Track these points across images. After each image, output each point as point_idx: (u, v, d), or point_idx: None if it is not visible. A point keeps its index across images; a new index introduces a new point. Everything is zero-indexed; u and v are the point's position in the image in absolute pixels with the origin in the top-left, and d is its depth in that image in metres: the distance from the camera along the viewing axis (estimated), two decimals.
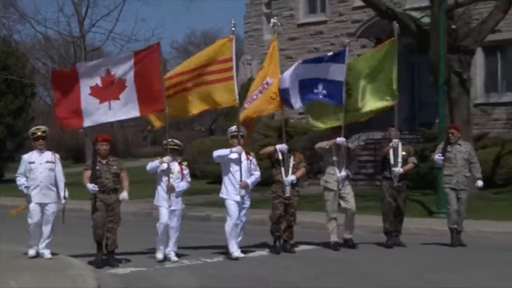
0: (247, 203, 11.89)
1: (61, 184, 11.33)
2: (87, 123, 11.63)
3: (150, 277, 10.41)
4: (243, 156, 11.77)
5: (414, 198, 17.59)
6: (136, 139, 55.19)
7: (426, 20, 21.18)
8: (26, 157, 11.42)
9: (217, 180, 24.66)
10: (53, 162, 11.36)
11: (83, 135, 33.89)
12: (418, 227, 14.47)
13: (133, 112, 11.59)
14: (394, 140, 12.61)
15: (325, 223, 12.60)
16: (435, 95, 18.58)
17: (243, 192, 11.71)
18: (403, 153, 12.67)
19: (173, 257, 11.49)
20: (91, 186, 11.00)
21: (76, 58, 31.73)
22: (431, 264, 11.10)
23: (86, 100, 11.39)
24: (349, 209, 12.40)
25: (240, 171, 11.70)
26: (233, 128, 11.99)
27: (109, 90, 11.34)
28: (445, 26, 18.01)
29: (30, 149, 11.83)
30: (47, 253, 11.23)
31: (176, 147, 11.70)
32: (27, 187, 11.22)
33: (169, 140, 11.60)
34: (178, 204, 11.61)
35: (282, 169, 12.09)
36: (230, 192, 11.74)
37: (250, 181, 11.81)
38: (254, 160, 12.00)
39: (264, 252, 12.26)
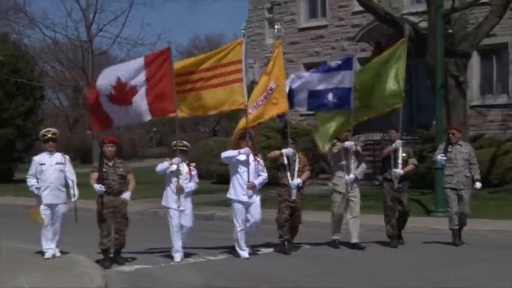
0: (256, 200, 11.71)
1: (73, 184, 11.22)
2: (114, 124, 11.76)
3: (155, 275, 10.32)
4: (251, 157, 11.67)
5: (412, 197, 17.41)
6: (142, 140, 55.24)
7: (424, 24, 21.16)
8: (37, 158, 11.32)
9: (221, 180, 24.85)
10: (63, 164, 11.26)
11: (90, 137, 33.89)
12: (416, 225, 14.37)
13: (145, 114, 11.43)
14: (397, 141, 12.47)
15: (331, 222, 12.51)
16: (432, 98, 18.51)
17: (250, 192, 11.60)
18: (403, 154, 12.56)
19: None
20: (98, 187, 10.88)
21: (84, 61, 31.71)
22: (431, 263, 10.99)
23: (109, 107, 11.36)
24: (353, 215, 12.32)
25: (248, 172, 11.58)
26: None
27: (123, 96, 11.21)
28: (442, 30, 17.98)
29: (40, 150, 11.74)
30: (56, 252, 11.16)
31: (184, 148, 11.60)
32: (38, 188, 11.12)
33: (178, 141, 11.51)
34: (187, 204, 11.50)
35: (288, 173, 11.99)
36: (238, 192, 11.61)
37: (257, 182, 11.67)
38: (261, 162, 11.88)
39: (268, 251, 12.15)
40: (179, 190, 11.35)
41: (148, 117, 11.56)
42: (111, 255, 11.03)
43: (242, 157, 11.58)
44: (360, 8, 24.48)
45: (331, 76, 12.46)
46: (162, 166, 11.45)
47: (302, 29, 30.05)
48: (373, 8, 21.00)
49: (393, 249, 12.29)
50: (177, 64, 11.71)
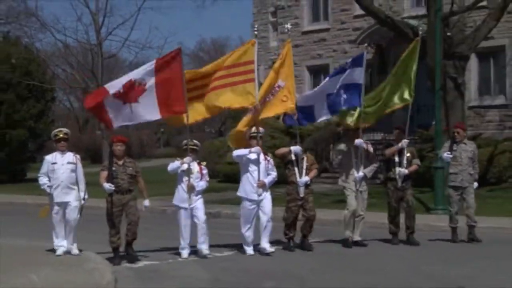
0: (267, 196, 11.61)
1: (82, 186, 11.14)
2: (116, 124, 11.34)
3: (163, 271, 10.27)
4: (261, 156, 11.60)
5: None
6: (150, 140, 55.32)
7: (423, 27, 21.05)
8: (49, 158, 11.25)
9: (227, 179, 24.82)
10: (74, 163, 11.17)
11: (100, 137, 33.90)
12: (417, 223, 14.10)
13: (155, 113, 11.32)
14: (404, 140, 12.39)
15: (343, 219, 12.36)
16: (432, 99, 18.47)
17: (260, 191, 11.53)
18: (408, 154, 12.49)
19: (204, 250, 11.24)
20: (107, 186, 10.81)
21: (93, 64, 31.75)
22: (432, 260, 10.94)
23: (111, 106, 11.08)
24: (359, 213, 12.24)
25: (258, 171, 11.50)
26: (253, 129, 11.79)
27: (129, 94, 11.09)
28: (441, 33, 17.93)
29: (51, 150, 11.69)
30: (74, 248, 11.02)
31: (195, 147, 11.52)
32: (50, 187, 11.06)
33: (189, 140, 11.42)
34: (198, 202, 11.40)
35: (296, 170, 11.93)
36: (248, 191, 11.54)
37: (267, 180, 11.61)
38: (271, 161, 11.81)
39: (274, 248, 12.07)
40: (190, 189, 11.28)
41: (157, 116, 11.37)
42: (122, 253, 10.96)
43: (253, 156, 11.51)
44: (361, 12, 24.47)
45: (345, 75, 12.34)
46: (173, 165, 11.37)
47: (305, 33, 30.05)
48: (374, 11, 20.97)
49: (395, 246, 12.24)
50: (189, 73, 11.62)
